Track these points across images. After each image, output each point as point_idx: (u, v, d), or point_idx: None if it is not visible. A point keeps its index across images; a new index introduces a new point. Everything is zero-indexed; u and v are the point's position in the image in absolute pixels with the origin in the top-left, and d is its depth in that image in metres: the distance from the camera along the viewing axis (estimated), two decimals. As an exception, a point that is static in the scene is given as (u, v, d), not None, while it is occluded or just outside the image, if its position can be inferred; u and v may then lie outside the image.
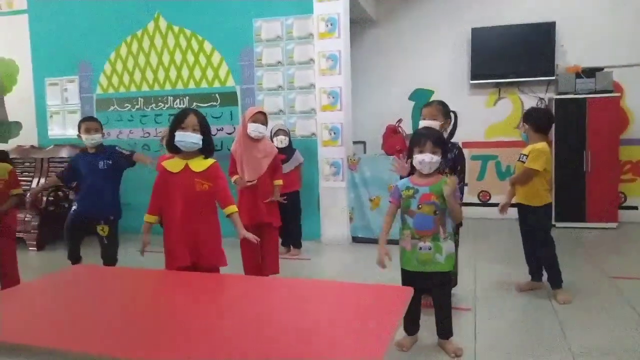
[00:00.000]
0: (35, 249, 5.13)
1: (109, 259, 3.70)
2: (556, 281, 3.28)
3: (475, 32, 5.88)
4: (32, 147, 5.96)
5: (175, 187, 2.55)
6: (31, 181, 5.77)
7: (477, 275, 3.80)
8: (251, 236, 2.60)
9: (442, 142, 2.46)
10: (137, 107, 5.62)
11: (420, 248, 2.45)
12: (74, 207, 3.71)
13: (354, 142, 5.56)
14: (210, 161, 2.62)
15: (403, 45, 6.37)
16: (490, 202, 6.18)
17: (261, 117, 3.49)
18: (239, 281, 2.33)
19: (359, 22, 6.14)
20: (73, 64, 5.77)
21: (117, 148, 3.74)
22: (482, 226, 5.60)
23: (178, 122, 2.55)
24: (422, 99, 6.31)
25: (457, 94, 6.14)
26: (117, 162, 3.66)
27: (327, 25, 4.75)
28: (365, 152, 6.52)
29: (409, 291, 1.71)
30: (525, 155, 3.32)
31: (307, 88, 4.99)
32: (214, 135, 5.28)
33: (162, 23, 5.42)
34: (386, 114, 6.39)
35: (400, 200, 2.51)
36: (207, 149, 2.63)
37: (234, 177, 3.49)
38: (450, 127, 3.14)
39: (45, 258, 4.93)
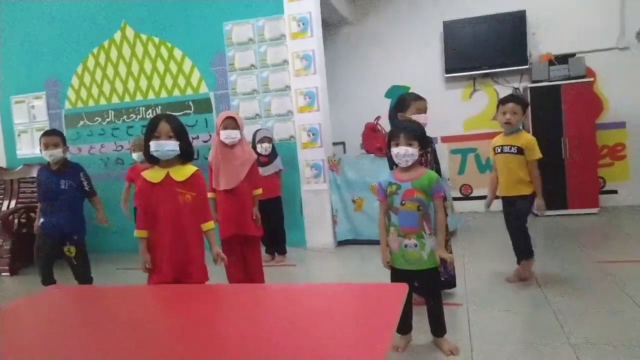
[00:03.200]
0: (8, 273, 4.91)
1: (82, 279, 3.53)
2: (527, 253, 3.37)
3: (447, 25, 5.87)
4: (1, 168, 5.73)
5: (157, 198, 2.43)
6: (1, 204, 5.55)
7: (466, 269, 3.76)
8: (222, 256, 2.52)
9: (418, 135, 2.39)
10: (107, 120, 5.45)
11: (406, 246, 2.38)
12: (41, 220, 3.53)
13: (334, 144, 5.49)
14: (191, 169, 2.51)
15: (377, 43, 6.34)
16: (472, 195, 6.18)
17: (231, 122, 3.38)
18: (229, 290, 2.23)
19: (332, 22, 6.09)
20: (39, 80, 5.57)
21: (82, 175, 3.54)
22: (465, 220, 5.59)
23: (150, 131, 2.44)
24: (397, 95, 6.28)
25: (433, 89, 6.11)
26: (78, 184, 3.51)
27: (299, 25, 4.67)
28: (345, 152, 6.47)
29: (404, 287, 1.64)
30: (515, 146, 3.26)
31: (282, 90, 4.90)
32: (190, 144, 5.19)
33: (129, 32, 5.28)
34: (364, 113, 6.30)
35: (387, 197, 2.43)
36: (185, 154, 2.52)
37: (210, 194, 3.36)
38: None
39: (19, 283, 4.72)
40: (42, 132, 3.60)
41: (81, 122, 5.54)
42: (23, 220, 5.14)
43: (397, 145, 2.36)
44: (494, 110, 6.01)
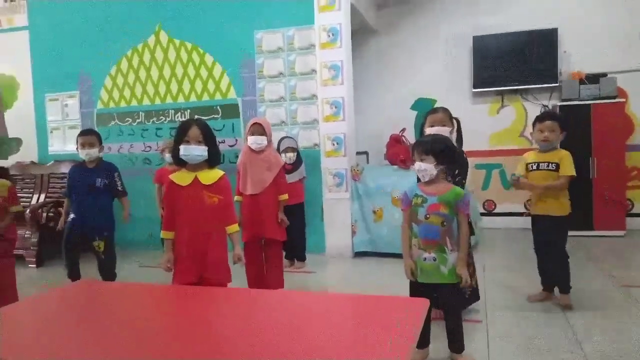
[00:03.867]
0: (34, 265, 5.05)
1: (107, 274, 3.67)
2: (566, 286, 3.25)
3: (477, 40, 5.86)
4: (32, 163, 5.92)
5: (184, 200, 2.51)
6: (31, 197, 5.73)
7: (487, 286, 3.72)
8: (241, 259, 2.59)
9: (432, 149, 2.37)
10: (138, 121, 5.58)
11: (425, 259, 2.38)
12: (71, 216, 3.67)
13: (357, 153, 5.51)
14: (218, 173, 2.59)
15: (404, 54, 6.35)
16: (495, 211, 6.11)
17: (258, 128, 3.45)
18: (248, 294, 2.26)
19: (360, 32, 6.13)
20: (73, 79, 5.75)
21: (116, 174, 3.70)
22: (488, 236, 5.53)
23: (181, 135, 2.52)
24: (424, 109, 6.24)
25: (460, 103, 6.09)
26: (112, 183, 3.65)
27: (329, 36, 4.72)
28: (368, 162, 6.48)
29: (426, 303, 1.64)
30: (553, 163, 3.17)
31: (309, 99, 4.95)
32: (216, 147, 5.28)
33: (163, 36, 5.41)
34: (388, 124, 6.36)
35: (411, 207, 2.43)
36: (212, 159, 2.59)
37: (237, 198, 3.44)
38: (455, 133, 3.09)
39: (45, 274, 4.85)
40: (79, 132, 3.75)
41: (112, 122, 5.68)
42: (51, 214, 5.28)
43: (417, 160, 2.39)
44: (521, 126, 6.06)
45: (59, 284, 3.37)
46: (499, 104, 6.04)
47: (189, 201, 2.51)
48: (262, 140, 3.46)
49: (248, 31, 5.08)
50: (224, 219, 2.60)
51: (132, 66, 5.54)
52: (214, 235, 2.55)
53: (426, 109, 6.20)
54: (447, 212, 2.34)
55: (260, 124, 3.49)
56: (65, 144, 5.91)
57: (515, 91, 5.91)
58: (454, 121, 3.08)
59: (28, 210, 5.04)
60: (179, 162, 2.56)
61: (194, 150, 2.49)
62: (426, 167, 2.34)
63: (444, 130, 2.88)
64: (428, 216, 2.36)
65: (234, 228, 2.62)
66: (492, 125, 6.05)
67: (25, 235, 5.05)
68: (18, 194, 5.61)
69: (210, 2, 5.22)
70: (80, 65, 5.70)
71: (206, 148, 2.53)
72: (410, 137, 5.86)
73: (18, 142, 5.98)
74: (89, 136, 3.64)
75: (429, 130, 2.94)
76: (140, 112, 5.56)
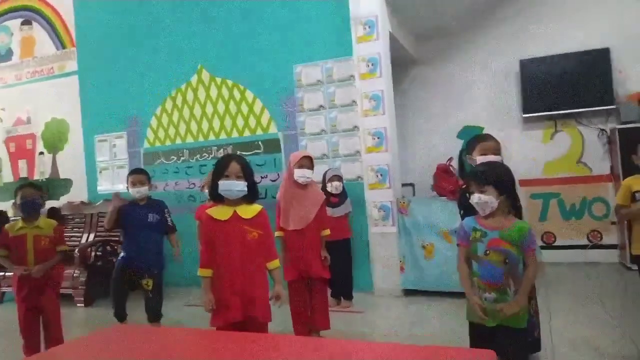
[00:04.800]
0: (82, 304, 5.07)
1: (153, 313, 3.63)
2: None
3: (524, 63, 5.62)
4: (82, 202, 6.07)
5: (225, 235, 2.41)
6: (81, 237, 5.83)
7: (553, 332, 3.35)
8: (282, 298, 2.47)
9: (493, 179, 2.15)
10: (182, 158, 5.64)
11: (486, 298, 2.14)
12: (122, 254, 3.71)
13: (403, 185, 5.32)
14: (257, 207, 2.50)
15: (447, 82, 6.19)
16: (555, 244, 5.69)
17: (307, 162, 3.35)
18: (295, 344, 2.07)
19: (401, 62, 6.03)
20: (121, 121, 5.92)
21: (166, 210, 3.75)
22: (550, 272, 5.11)
23: (220, 170, 2.45)
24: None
25: (510, 130, 5.84)
26: (162, 219, 3.66)
27: (368, 66, 4.64)
28: (414, 194, 6.25)
29: (491, 356, 1.42)
30: None
31: (350, 130, 4.84)
32: (258, 182, 5.22)
33: (205, 75, 5.50)
34: (434, 154, 6.15)
35: (469, 242, 2.21)
36: (252, 194, 2.49)
37: (278, 233, 3.32)
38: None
39: (93, 314, 4.86)
40: (128, 171, 3.80)
41: (158, 160, 5.77)
42: (99, 253, 5.35)
43: (473, 192, 2.18)
44: (578, 153, 5.70)
45: (106, 323, 3.34)
46: (552, 129, 5.72)
47: (228, 236, 2.41)
48: (310, 174, 3.37)
49: (287, 66, 5.08)
50: (265, 255, 2.49)
51: (177, 105, 5.65)
52: (255, 271, 2.44)
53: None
54: (511, 249, 2.10)
55: (310, 157, 3.41)
56: (113, 183, 6.03)
57: (569, 115, 5.59)
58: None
59: (77, 250, 5.12)
60: (217, 198, 2.48)
61: (235, 186, 2.41)
62: (487, 200, 2.12)
63: (497, 159, 2.65)
64: (488, 252, 2.13)
65: (275, 264, 2.52)
66: (547, 152, 5.72)
67: (74, 275, 5.10)
68: (69, 234, 5.80)
69: (249, 39, 5.29)
70: (127, 107, 5.87)
71: (246, 183, 2.45)
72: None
73: (68, 183, 6.19)
74: (139, 175, 3.70)
75: (480, 159, 2.73)
76: (185, 150, 5.63)
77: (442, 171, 4.67)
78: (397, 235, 4.64)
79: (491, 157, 2.66)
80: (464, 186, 2.74)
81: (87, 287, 5.09)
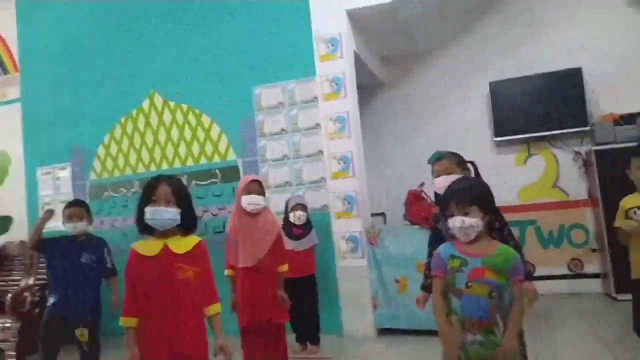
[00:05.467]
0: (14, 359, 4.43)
1: None
2: None
3: (494, 85, 5.43)
4: (22, 242, 5.45)
5: (152, 274, 1.98)
6: (19, 280, 5.21)
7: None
8: (227, 351, 1.98)
9: (477, 198, 1.83)
10: (132, 190, 5.15)
11: (469, 343, 1.75)
12: (50, 300, 3.22)
13: (373, 214, 4.96)
14: (194, 239, 2.09)
15: (417, 107, 5.95)
16: (534, 274, 5.35)
17: (256, 187, 2.96)
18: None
19: (368, 87, 5.79)
20: (65, 151, 5.41)
21: (106, 250, 3.32)
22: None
23: (147, 195, 2.03)
24: (443, 162, 5.77)
25: (482, 154, 5.57)
26: (100, 259, 3.19)
27: (332, 86, 4.33)
28: (386, 223, 5.90)
29: None
30: None
31: (314, 155, 4.48)
32: (215, 215, 4.79)
33: (158, 100, 5.10)
34: (405, 181, 5.80)
35: (446, 273, 1.83)
36: (186, 223, 2.07)
37: (228, 272, 2.90)
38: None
39: (23, 371, 4.24)
40: (65, 203, 3.36)
41: (105, 193, 5.26)
42: (37, 299, 4.74)
43: (451, 215, 1.81)
44: (553, 176, 5.46)
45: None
46: (525, 153, 5.49)
47: (157, 275, 1.97)
48: (260, 201, 2.97)
49: (246, 87, 4.73)
50: (201, 298, 2.03)
51: (127, 133, 5.20)
52: (189, 318, 1.99)
53: (446, 163, 5.78)
54: (496, 279, 1.73)
55: (258, 181, 3.02)
56: (56, 219, 5.44)
57: (542, 138, 5.38)
58: (469, 165, 2.52)
59: (9, 296, 4.52)
60: (144, 230, 2.05)
61: (164, 213, 1.99)
62: (473, 223, 1.77)
63: (449, 179, 2.34)
64: (470, 284, 1.75)
65: (214, 309, 2.06)
66: (521, 177, 5.47)
67: (5, 325, 4.47)
68: (5, 278, 5.18)
69: (204, 60, 4.93)
70: (73, 136, 5.38)
71: (178, 210, 2.03)
72: (430, 192, 5.32)
73: (8, 220, 5.61)
74: (76, 208, 3.29)
75: (438, 182, 2.39)
76: (135, 181, 5.15)
77: (414, 197, 4.33)
78: (368, 269, 4.24)
79: (446, 178, 2.34)
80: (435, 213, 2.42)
81: (20, 338, 4.45)
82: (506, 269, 1.77)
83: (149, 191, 2.03)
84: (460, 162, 2.49)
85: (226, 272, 2.99)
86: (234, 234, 2.95)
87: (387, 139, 6.05)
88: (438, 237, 2.32)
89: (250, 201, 2.92)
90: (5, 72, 5.77)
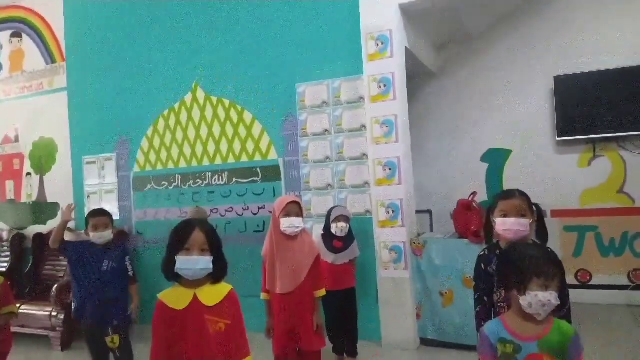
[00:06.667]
0: (60, 348, 4.58)
1: None
2: None
3: (559, 80, 4.95)
4: (68, 229, 5.58)
5: (181, 329, 1.86)
6: (65, 269, 5.36)
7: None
8: None
9: (561, 270, 1.62)
10: (174, 184, 5.12)
11: None
12: (73, 305, 3.28)
13: (418, 212, 4.69)
14: (225, 289, 1.95)
15: (470, 99, 5.54)
16: (591, 283, 5.00)
17: (295, 209, 2.81)
18: None
19: (417, 76, 5.42)
20: (111, 141, 5.42)
21: (127, 258, 3.27)
22: (584, 314, 4.43)
23: (180, 241, 1.89)
24: (497, 161, 5.42)
25: (541, 154, 5.19)
26: (121, 267, 3.20)
27: (380, 87, 4.04)
28: (432, 223, 5.65)
29: None
30: None
31: (358, 159, 4.25)
32: (255, 214, 4.69)
33: (200, 94, 4.97)
34: (455, 179, 5.56)
35: (495, 358, 1.62)
36: (218, 272, 1.94)
37: (264, 296, 2.79)
38: (535, 227, 2.19)
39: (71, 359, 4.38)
40: (88, 212, 3.34)
41: (148, 186, 5.26)
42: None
43: (524, 290, 1.58)
44: (620, 181, 5.00)
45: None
46: (590, 154, 5.03)
47: (187, 330, 1.85)
48: (300, 223, 2.82)
49: (290, 84, 4.51)
50: (233, 351, 1.91)
51: (169, 126, 5.13)
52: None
53: (499, 161, 5.40)
54: (556, 363, 1.51)
55: (297, 203, 2.86)
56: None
57: (610, 139, 4.89)
58: (534, 209, 2.19)
59: (55, 287, 4.65)
60: (172, 277, 1.93)
61: (198, 263, 1.85)
62: (553, 299, 1.55)
63: (523, 224, 2.06)
64: (526, 374, 1.53)
65: None
66: (584, 179, 5.03)
67: (52, 314, 4.62)
68: (54, 263, 5.34)
69: (248, 54, 4.74)
70: (118, 126, 5.38)
71: (211, 258, 1.89)
72: (482, 196, 5.00)
73: (55, 207, 5.75)
74: (101, 217, 3.23)
75: (500, 222, 2.09)
76: (177, 175, 5.10)
77: (464, 208, 4.04)
78: (411, 280, 4.04)
79: (518, 221, 2.06)
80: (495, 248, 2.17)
81: (65, 327, 4.59)
82: (565, 351, 1.54)
83: (181, 238, 1.89)
84: (530, 204, 2.19)
85: (262, 296, 2.89)
86: (271, 258, 2.82)
87: (435, 133, 5.70)
88: (487, 261, 2.13)
89: (290, 224, 2.77)
90: (53, 60, 5.80)
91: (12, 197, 6.07)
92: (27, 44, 5.99)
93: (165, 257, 1.92)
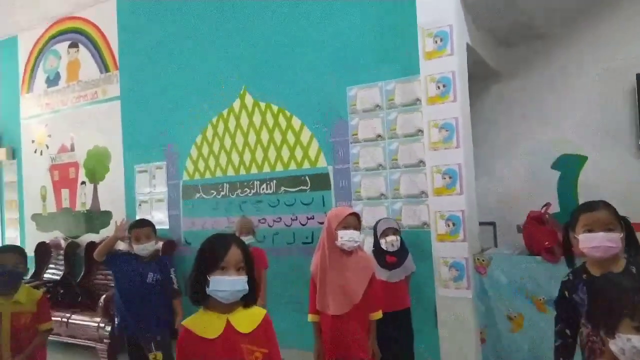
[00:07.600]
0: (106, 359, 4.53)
1: None
2: None
3: (643, 78, 4.40)
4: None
5: (215, 359, 1.62)
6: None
7: None
8: None
9: None
10: (222, 193, 4.99)
11: None
12: (116, 320, 3.23)
13: (481, 223, 4.28)
14: (260, 313, 1.72)
15: (538, 101, 5.06)
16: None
17: (355, 221, 2.55)
18: None
19: (479, 76, 5.01)
20: (161, 150, 5.39)
21: (172, 270, 3.19)
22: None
23: (215, 259, 1.66)
24: (571, 168, 4.89)
25: (621, 160, 4.62)
26: (166, 280, 3.05)
27: (439, 88, 3.69)
28: (495, 236, 5.18)
29: None
30: None
31: (414, 166, 3.93)
32: (303, 225, 4.46)
33: (248, 99, 4.83)
34: (521, 188, 5.08)
35: None
36: (252, 294, 1.71)
37: (312, 317, 2.53)
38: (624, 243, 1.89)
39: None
40: (131, 223, 3.24)
41: (197, 195, 5.17)
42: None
43: (612, 332, 1.24)
44: None
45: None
46: (679, 164, 4.44)
47: None
48: (359, 237, 2.56)
49: (339, 88, 4.27)
50: None
51: (217, 134, 5.02)
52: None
53: (573, 169, 4.88)
54: None
55: (357, 215, 2.61)
56: (152, 218, 5.51)
57: None
58: (622, 222, 1.91)
59: (103, 297, 4.62)
60: (199, 301, 1.71)
61: (235, 284, 1.62)
62: None
63: (613, 239, 1.80)
64: None
65: None
66: (671, 189, 4.44)
67: (100, 325, 4.58)
68: (105, 272, 5.34)
69: (296, 59, 4.54)
70: (168, 135, 5.35)
71: (247, 278, 1.67)
72: (554, 208, 4.51)
73: (108, 215, 5.78)
74: (145, 228, 3.16)
75: (585, 239, 1.82)
76: (225, 184, 4.97)
77: (536, 221, 3.61)
78: (474, 301, 3.65)
79: (607, 235, 1.74)
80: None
81: (111, 339, 4.54)
82: None
83: (217, 255, 1.67)
84: (617, 216, 1.88)
85: (310, 317, 2.63)
86: (322, 275, 2.55)
87: (500, 137, 5.25)
88: (572, 288, 1.87)
89: (349, 237, 2.51)
90: (107, 70, 5.86)
91: (68, 206, 6.18)
92: (83, 53, 6.11)
93: (193, 276, 1.69)
